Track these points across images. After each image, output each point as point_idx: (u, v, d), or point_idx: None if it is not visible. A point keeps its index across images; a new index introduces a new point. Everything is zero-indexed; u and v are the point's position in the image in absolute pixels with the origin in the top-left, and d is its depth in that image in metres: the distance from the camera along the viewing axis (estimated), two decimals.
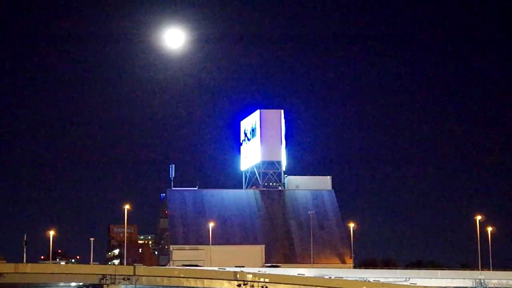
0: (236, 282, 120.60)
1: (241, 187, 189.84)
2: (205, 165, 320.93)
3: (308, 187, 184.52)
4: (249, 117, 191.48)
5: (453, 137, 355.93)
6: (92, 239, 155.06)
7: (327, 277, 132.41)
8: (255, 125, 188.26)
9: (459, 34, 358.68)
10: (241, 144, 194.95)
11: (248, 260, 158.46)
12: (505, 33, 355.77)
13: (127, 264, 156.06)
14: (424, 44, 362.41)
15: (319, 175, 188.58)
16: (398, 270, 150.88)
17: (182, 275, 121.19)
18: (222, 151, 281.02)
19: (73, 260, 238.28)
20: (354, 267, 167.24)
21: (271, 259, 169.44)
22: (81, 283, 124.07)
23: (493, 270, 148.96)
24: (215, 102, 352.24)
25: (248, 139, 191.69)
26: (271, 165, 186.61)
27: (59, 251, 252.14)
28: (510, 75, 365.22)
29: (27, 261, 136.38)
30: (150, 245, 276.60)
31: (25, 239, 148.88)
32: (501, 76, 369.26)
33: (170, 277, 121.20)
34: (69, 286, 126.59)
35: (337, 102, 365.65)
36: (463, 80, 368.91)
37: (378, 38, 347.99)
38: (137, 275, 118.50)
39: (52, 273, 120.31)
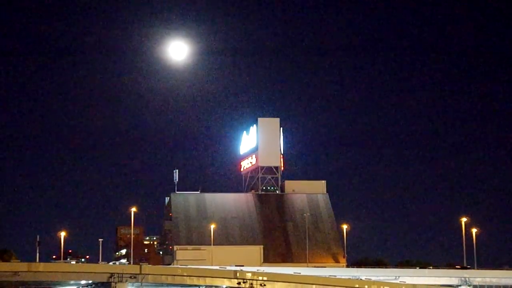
0: (236, 280, 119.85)
1: (241, 191, 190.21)
2: (207, 170, 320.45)
3: (304, 191, 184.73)
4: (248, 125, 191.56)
5: (439, 146, 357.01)
6: (100, 240, 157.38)
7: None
8: (254, 132, 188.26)
9: (440, 41, 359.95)
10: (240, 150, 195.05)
11: (248, 260, 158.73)
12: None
13: (133, 263, 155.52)
14: (414, 56, 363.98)
15: (314, 180, 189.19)
16: (388, 269, 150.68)
17: (185, 274, 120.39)
18: (223, 157, 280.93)
19: (83, 260, 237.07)
20: (347, 266, 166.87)
21: (269, 259, 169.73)
22: (90, 281, 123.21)
23: (477, 269, 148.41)
24: (216, 110, 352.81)
25: (248, 146, 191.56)
26: (269, 170, 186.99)
27: (70, 251, 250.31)
28: (498, 77, 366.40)
29: (40, 261, 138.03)
30: (155, 246, 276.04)
31: (38, 239, 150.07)
32: (488, 80, 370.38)
33: (174, 275, 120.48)
34: (79, 284, 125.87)
35: (331, 111, 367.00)
36: (448, 85, 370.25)
37: (369, 50, 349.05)
38: (143, 274, 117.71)
39: (63, 272, 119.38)
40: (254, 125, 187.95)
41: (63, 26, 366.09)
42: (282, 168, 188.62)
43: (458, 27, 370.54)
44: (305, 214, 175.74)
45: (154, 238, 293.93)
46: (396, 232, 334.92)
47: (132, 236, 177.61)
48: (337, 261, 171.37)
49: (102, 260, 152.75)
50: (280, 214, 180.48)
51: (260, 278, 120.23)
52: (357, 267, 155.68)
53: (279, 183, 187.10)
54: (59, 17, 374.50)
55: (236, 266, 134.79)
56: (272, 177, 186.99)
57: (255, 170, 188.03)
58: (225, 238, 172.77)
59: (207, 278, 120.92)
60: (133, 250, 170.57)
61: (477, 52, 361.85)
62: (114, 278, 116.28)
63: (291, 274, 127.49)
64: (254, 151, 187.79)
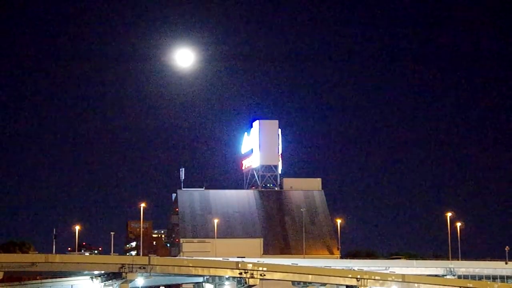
0: (237, 271, 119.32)
1: (242, 188, 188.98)
2: (211, 168, 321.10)
3: (301, 187, 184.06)
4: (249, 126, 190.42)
5: (427, 146, 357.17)
6: (112, 233, 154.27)
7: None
8: (255, 133, 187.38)
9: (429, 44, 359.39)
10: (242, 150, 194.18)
11: (248, 252, 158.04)
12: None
13: (143, 255, 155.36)
14: (406, 61, 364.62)
15: (310, 178, 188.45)
16: (379, 260, 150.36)
17: (191, 265, 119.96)
18: (225, 156, 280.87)
19: (96, 251, 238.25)
20: (341, 257, 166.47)
21: (268, 251, 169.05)
22: (102, 271, 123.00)
23: (461, 260, 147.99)
24: (220, 113, 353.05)
25: (249, 146, 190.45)
26: (269, 168, 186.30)
27: (84, 243, 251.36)
28: (487, 76, 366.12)
29: (56, 252, 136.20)
30: (163, 238, 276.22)
31: (54, 233, 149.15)
32: (475, 79, 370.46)
33: (180, 266, 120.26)
34: (92, 274, 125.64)
35: (326, 113, 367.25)
36: (433, 85, 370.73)
37: (363, 53, 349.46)
38: (152, 265, 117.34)
39: (78, 263, 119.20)
40: (255, 127, 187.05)
41: (74, 33, 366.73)
42: (281, 166, 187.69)
43: (453, 28, 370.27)
44: (302, 209, 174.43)
45: (162, 232, 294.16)
46: (386, 226, 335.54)
47: (142, 229, 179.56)
48: (331, 253, 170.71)
49: (113, 252, 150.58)
50: (279, 209, 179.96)
51: (260, 268, 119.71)
52: (350, 259, 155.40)
53: (278, 181, 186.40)
54: (70, 25, 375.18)
55: (238, 257, 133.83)
56: (271, 175, 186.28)
57: (256, 168, 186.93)
58: (228, 231, 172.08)
59: (211, 269, 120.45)
60: (142, 242, 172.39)
61: (451, 56, 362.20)
62: (124, 268, 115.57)
63: (289, 265, 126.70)
64: (255, 150, 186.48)
